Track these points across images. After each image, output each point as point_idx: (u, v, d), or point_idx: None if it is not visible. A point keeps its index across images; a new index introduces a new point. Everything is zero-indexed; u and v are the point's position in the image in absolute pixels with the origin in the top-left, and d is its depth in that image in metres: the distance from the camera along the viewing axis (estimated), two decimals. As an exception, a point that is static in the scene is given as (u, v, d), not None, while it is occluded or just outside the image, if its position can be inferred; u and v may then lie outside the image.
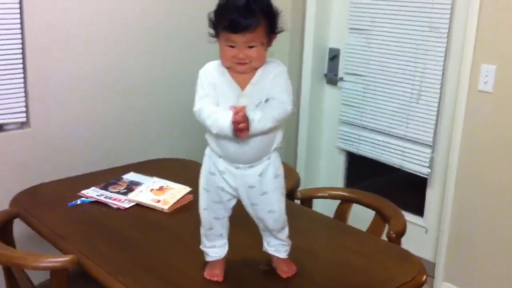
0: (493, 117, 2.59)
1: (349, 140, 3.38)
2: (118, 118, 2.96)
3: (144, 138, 3.09)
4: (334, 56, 3.40)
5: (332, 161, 3.57)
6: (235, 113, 1.46)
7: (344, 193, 2.38)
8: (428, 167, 3.00)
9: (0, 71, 2.53)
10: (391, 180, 3.36)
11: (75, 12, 2.70)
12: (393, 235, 2.01)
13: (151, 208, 2.18)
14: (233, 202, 1.68)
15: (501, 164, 2.59)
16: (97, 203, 2.21)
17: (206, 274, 1.71)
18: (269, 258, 1.76)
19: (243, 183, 1.62)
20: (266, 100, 1.56)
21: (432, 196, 3.06)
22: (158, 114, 3.11)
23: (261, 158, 1.61)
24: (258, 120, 1.50)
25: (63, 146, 2.78)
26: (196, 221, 1.72)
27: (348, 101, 3.33)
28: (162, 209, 2.16)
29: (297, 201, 2.37)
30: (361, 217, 2.27)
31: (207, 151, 1.66)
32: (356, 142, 3.33)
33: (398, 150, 3.12)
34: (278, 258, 1.73)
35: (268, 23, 1.53)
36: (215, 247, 1.71)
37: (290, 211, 1.72)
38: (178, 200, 2.21)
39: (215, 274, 1.70)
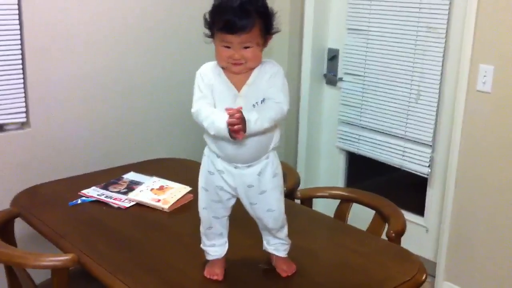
0: (492, 117, 2.60)
1: (349, 140, 3.38)
2: (118, 118, 2.96)
3: (144, 138, 3.09)
4: (333, 57, 3.40)
5: (332, 161, 3.57)
6: (230, 116, 1.46)
7: (344, 193, 2.38)
8: (428, 166, 3.00)
9: None
10: (391, 179, 3.37)
11: (75, 12, 2.71)
12: (393, 235, 2.01)
13: (151, 208, 2.19)
14: (233, 201, 1.68)
15: (500, 163, 2.60)
16: (98, 202, 2.22)
17: (206, 273, 1.71)
18: (268, 257, 1.76)
19: (241, 182, 1.62)
20: (263, 101, 1.56)
21: (432, 195, 3.06)
22: (158, 114, 3.12)
23: (259, 157, 1.61)
24: (255, 120, 1.50)
25: (63, 146, 2.78)
26: (196, 221, 1.73)
27: (348, 101, 3.33)
28: (163, 208, 2.17)
29: (297, 201, 2.37)
30: (360, 216, 2.28)
31: (206, 151, 1.66)
32: (356, 142, 3.34)
33: (398, 150, 3.12)
34: (277, 257, 1.73)
35: (264, 23, 1.54)
36: (214, 246, 1.71)
37: (290, 210, 1.72)
38: (178, 200, 2.21)
39: (215, 273, 1.70)
